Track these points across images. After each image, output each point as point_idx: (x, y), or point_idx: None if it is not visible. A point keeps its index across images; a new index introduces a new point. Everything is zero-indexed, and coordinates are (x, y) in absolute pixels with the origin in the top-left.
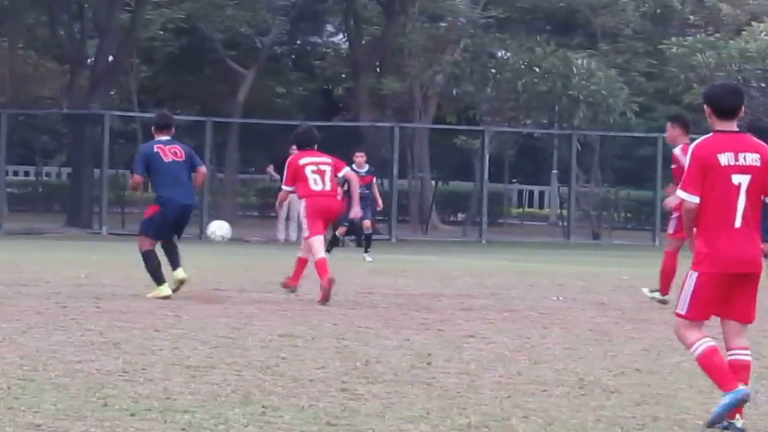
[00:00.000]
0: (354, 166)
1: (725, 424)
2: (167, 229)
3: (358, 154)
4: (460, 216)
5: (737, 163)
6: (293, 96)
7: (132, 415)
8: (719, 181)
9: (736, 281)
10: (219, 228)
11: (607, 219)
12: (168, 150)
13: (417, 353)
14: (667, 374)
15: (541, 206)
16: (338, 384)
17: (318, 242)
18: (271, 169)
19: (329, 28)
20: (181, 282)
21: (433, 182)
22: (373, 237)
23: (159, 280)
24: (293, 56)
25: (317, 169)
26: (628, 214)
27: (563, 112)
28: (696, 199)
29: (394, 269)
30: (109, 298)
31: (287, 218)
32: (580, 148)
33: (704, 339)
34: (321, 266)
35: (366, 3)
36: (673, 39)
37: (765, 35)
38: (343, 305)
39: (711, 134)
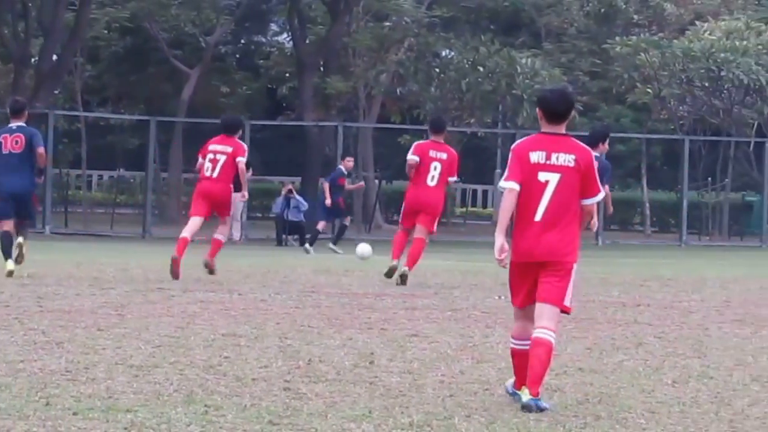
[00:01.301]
0: (342, 168)
1: (511, 391)
2: (5, 211)
3: (348, 159)
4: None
5: (548, 162)
6: (238, 95)
7: (75, 414)
8: (528, 177)
9: (540, 269)
10: (364, 249)
11: None
12: (11, 140)
13: (360, 352)
14: (609, 373)
15: (484, 205)
16: (281, 383)
17: (191, 222)
18: None
19: (274, 27)
20: (9, 273)
21: (377, 181)
22: (317, 236)
23: (5, 256)
24: (238, 55)
25: (213, 158)
26: None
27: (507, 112)
28: (515, 185)
29: (338, 268)
30: (52, 297)
31: (230, 217)
32: None
33: (517, 342)
34: (180, 244)
35: (311, 2)
36: (618, 38)
37: (709, 35)
38: (287, 304)
39: (534, 134)
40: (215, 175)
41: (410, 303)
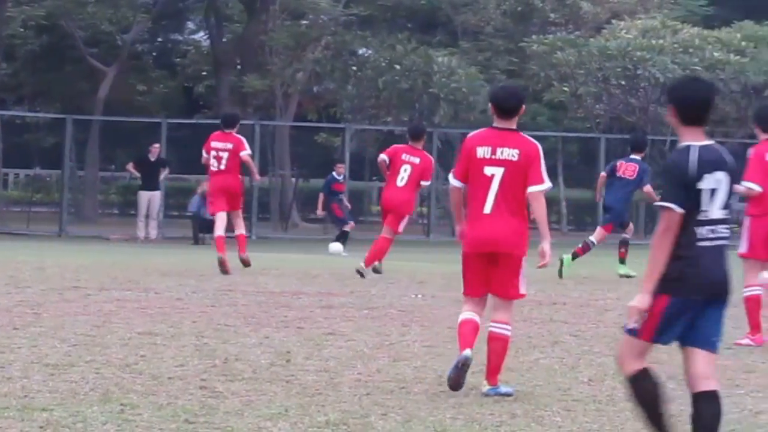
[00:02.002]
0: (335, 174)
1: (486, 390)
2: None
3: (339, 165)
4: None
5: (493, 157)
6: (154, 94)
7: None
8: (475, 172)
9: (491, 260)
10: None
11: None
12: None
13: (276, 351)
14: (525, 371)
15: None
16: (197, 382)
17: (218, 219)
18: (131, 166)
19: (191, 25)
20: None
21: (294, 180)
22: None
23: None
24: (155, 54)
25: (217, 155)
26: None
27: (424, 110)
28: (457, 183)
29: (255, 267)
30: None
31: (147, 216)
32: (441, 146)
33: (465, 312)
34: (219, 242)
35: (227, 0)
36: (534, 37)
37: (625, 33)
38: (203, 303)
39: (484, 129)
40: (222, 167)
41: (327, 301)
